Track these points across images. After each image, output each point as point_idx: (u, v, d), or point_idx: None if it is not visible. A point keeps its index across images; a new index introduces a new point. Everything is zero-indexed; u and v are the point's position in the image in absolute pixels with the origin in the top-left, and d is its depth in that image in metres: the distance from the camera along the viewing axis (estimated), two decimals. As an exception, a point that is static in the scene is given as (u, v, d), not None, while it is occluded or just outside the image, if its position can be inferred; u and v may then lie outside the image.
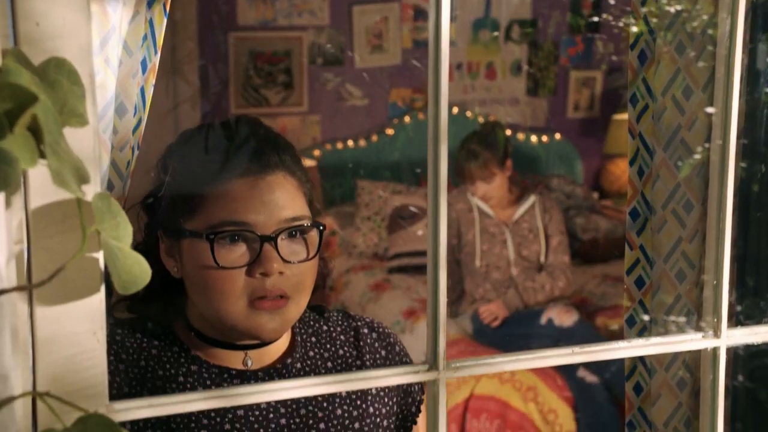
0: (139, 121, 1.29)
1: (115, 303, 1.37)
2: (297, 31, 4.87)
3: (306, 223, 1.28)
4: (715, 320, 1.06)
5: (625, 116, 5.19)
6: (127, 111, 1.27)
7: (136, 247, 1.35)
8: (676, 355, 1.51)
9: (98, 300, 0.79)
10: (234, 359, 1.31)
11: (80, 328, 0.78)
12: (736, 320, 1.63)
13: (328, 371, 1.35)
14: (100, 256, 0.76)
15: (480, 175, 3.72)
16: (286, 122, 4.81)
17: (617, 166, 5.29)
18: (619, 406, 3.35)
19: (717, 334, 1.06)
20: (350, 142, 4.94)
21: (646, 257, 1.51)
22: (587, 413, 3.36)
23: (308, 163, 4.51)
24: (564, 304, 3.72)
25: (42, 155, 0.66)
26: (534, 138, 5.17)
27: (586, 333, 3.58)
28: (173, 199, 1.28)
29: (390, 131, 5.00)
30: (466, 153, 3.72)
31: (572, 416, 3.35)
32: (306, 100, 4.90)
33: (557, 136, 5.25)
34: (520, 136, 5.13)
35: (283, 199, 1.26)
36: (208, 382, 1.29)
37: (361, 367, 1.38)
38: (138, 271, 0.76)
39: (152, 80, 1.29)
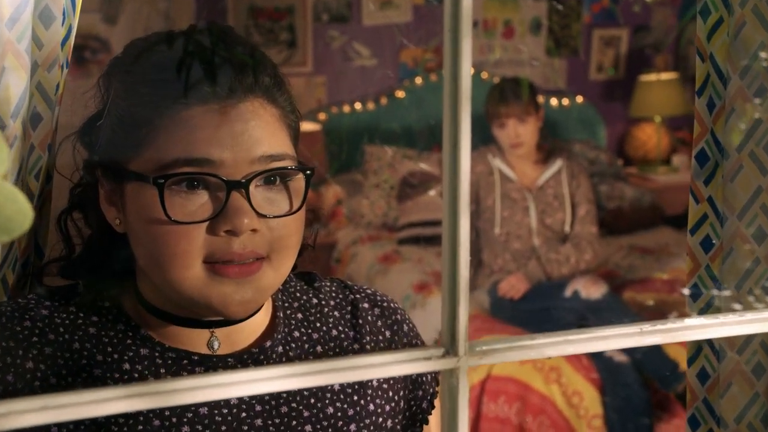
0: (69, 30, 1.01)
1: (44, 265, 1.09)
2: (300, -16, 4.62)
3: (288, 164, 0.98)
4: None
5: (651, 78, 4.95)
6: (54, 18, 1.00)
7: (73, 190, 1.08)
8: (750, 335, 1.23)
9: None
10: (197, 341, 1.03)
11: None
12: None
13: (317, 357, 1.06)
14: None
15: (515, 111, 3.47)
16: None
17: (643, 131, 5.04)
18: (650, 388, 3.13)
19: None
20: (358, 105, 4.67)
21: (716, 212, 1.24)
22: (616, 396, 3.11)
23: (313, 126, 4.27)
24: (591, 275, 3.46)
25: None
26: (554, 101, 4.90)
27: (616, 307, 3.35)
28: (115, 129, 0.99)
29: (400, 93, 4.73)
30: (500, 92, 3.51)
31: (599, 399, 3.12)
32: (310, 59, 4.64)
33: (579, 99, 4.98)
34: (539, 99, 4.86)
35: (258, 132, 0.95)
36: (162, 371, 1.00)
37: (360, 351, 1.10)
38: (11, 212, 0.53)
39: (82, -26, 1.00)
